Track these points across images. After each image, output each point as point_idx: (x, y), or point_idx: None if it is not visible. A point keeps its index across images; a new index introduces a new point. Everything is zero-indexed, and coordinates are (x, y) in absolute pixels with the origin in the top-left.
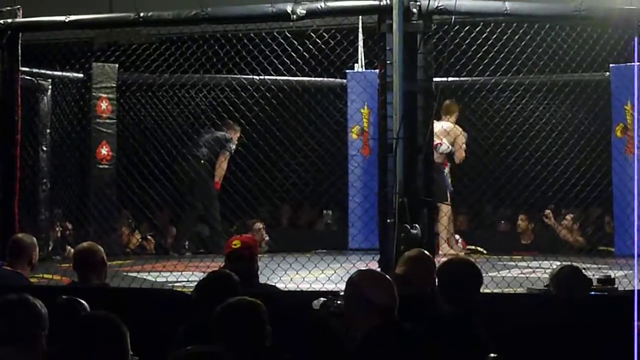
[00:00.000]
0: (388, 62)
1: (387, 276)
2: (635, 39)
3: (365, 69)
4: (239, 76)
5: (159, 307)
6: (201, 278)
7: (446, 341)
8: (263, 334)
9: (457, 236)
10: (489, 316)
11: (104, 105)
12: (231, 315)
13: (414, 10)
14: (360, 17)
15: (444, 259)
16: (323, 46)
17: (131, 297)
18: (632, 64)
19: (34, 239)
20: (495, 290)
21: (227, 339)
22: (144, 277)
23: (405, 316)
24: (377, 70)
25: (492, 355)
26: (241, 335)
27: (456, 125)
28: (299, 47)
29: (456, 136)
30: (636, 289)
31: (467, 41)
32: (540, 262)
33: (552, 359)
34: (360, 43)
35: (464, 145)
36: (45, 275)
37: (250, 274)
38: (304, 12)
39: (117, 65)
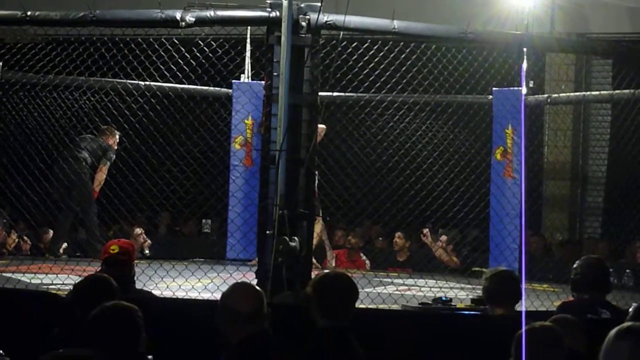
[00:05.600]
0: (275, 74)
1: (255, 286)
2: (521, 64)
3: (252, 80)
4: (124, 81)
5: (32, 308)
6: (77, 281)
7: (320, 354)
8: (137, 340)
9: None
10: (364, 331)
11: None
12: (106, 320)
13: (303, 23)
14: (248, 27)
15: (320, 272)
16: (210, 55)
17: (4, 297)
18: (515, 88)
19: None
20: (371, 306)
21: (101, 343)
22: (19, 278)
23: (281, 328)
24: (263, 82)
25: None
26: (115, 339)
27: None
28: (186, 54)
29: None
30: (524, 310)
31: (354, 57)
32: (415, 279)
33: None
34: (248, 54)
35: None
36: None
37: (127, 279)
38: (193, 19)
39: (0, 64)
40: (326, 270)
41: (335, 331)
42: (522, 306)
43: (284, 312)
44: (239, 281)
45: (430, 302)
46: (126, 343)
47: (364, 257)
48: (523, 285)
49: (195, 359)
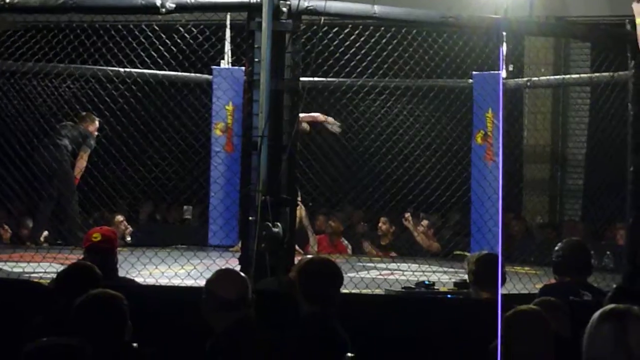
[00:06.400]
0: (256, 59)
1: (238, 272)
2: (500, 48)
3: (232, 65)
4: (104, 67)
5: (14, 297)
6: (60, 269)
7: (304, 340)
8: (123, 328)
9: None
10: (348, 316)
11: None
12: (91, 308)
13: (284, 9)
14: (228, 13)
15: (305, 258)
16: (191, 41)
17: None
18: (495, 72)
19: None
20: (354, 291)
21: (86, 331)
22: (1, 266)
23: (265, 314)
24: (244, 68)
25: (349, 355)
26: (101, 328)
27: None
28: (167, 40)
29: None
30: (499, 294)
31: (335, 42)
32: (398, 264)
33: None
34: (228, 39)
35: None
36: None
37: (110, 267)
38: (174, 5)
39: None
40: (309, 256)
41: (320, 317)
42: (498, 289)
43: (268, 298)
44: (223, 268)
45: (413, 286)
46: (112, 331)
47: (345, 242)
48: (500, 268)
49: (180, 346)
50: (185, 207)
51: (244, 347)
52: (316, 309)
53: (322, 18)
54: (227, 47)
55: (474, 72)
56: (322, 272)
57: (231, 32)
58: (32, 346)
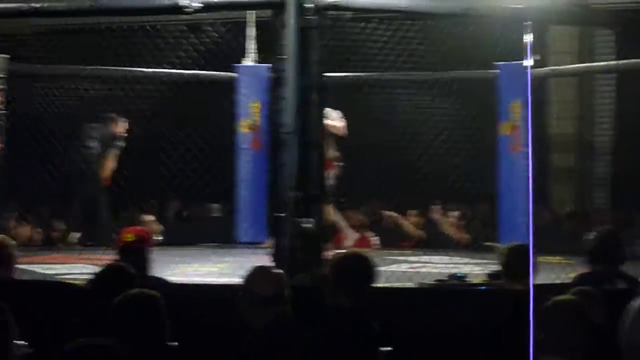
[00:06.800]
0: (282, 56)
1: (274, 268)
2: (525, 37)
3: (259, 63)
4: (132, 68)
5: (51, 299)
6: (95, 270)
7: (338, 335)
8: (161, 328)
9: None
10: (381, 310)
11: None
12: (129, 308)
13: (309, 5)
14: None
15: (338, 252)
16: (216, 39)
17: (22, 289)
18: (519, 62)
19: None
20: (385, 285)
21: (124, 331)
22: (34, 269)
23: (300, 310)
24: (270, 65)
25: (383, 349)
26: (139, 328)
27: None
28: (194, 39)
29: None
30: (532, 284)
31: (360, 37)
32: (429, 257)
33: (443, 353)
34: (252, 37)
35: None
36: None
37: (143, 266)
38: (201, 5)
39: (7, 56)
40: (342, 250)
41: (353, 311)
42: (530, 280)
43: (302, 294)
44: (259, 264)
45: (445, 278)
46: (150, 331)
47: (371, 236)
48: (531, 259)
49: (217, 344)
50: (213, 205)
51: (282, 343)
52: (350, 304)
53: (348, 13)
54: (251, 44)
55: (499, 63)
56: (355, 266)
57: (257, 29)
58: (69, 347)
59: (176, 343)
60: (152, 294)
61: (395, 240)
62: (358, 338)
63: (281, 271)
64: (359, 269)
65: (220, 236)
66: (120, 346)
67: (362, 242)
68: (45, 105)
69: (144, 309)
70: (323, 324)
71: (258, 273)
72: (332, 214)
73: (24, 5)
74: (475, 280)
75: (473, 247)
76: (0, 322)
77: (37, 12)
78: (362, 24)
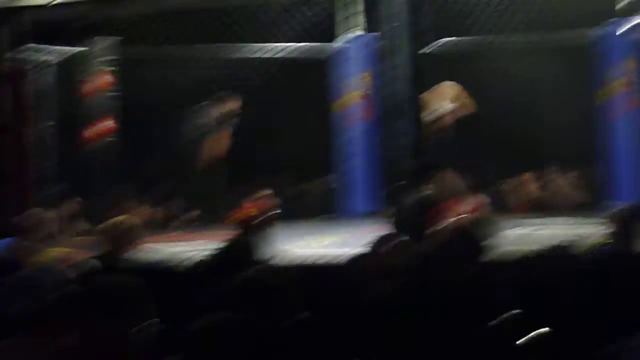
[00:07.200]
0: (393, 24)
1: (399, 236)
2: None
3: (368, 32)
4: (240, 45)
5: (176, 277)
6: (217, 247)
7: (465, 301)
8: (290, 301)
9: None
10: (511, 273)
11: (105, 78)
12: (257, 283)
13: None
14: None
15: (458, 219)
16: (323, 12)
17: (149, 270)
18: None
19: (50, 212)
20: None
21: (255, 306)
22: (157, 248)
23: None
24: (380, 34)
25: (514, 311)
26: (268, 302)
27: None
28: (305, 13)
29: None
30: None
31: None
32: (554, 218)
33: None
34: (361, 7)
35: None
36: (60, 249)
37: (266, 242)
38: None
39: (118, 39)
40: (462, 216)
41: (481, 274)
42: None
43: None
44: (385, 233)
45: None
46: (279, 306)
47: (481, 200)
48: None
49: (347, 317)
50: (327, 176)
51: (409, 311)
52: (472, 270)
53: None
54: (362, 14)
55: (609, 19)
56: (475, 233)
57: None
58: (198, 324)
59: (306, 313)
60: (278, 267)
61: (513, 204)
62: (489, 301)
63: (408, 238)
64: (478, 235)
65: (335, 208)
66: (249, 321)
67: (479, 206)
68: (158, 88)
69: (271, 284)
70: (449, 290)
71: (386, 241)
72: (448, 179)
73: None
74: (592, 243)
75: (590, 209)
76: (137, 299)
77: None
78: None
